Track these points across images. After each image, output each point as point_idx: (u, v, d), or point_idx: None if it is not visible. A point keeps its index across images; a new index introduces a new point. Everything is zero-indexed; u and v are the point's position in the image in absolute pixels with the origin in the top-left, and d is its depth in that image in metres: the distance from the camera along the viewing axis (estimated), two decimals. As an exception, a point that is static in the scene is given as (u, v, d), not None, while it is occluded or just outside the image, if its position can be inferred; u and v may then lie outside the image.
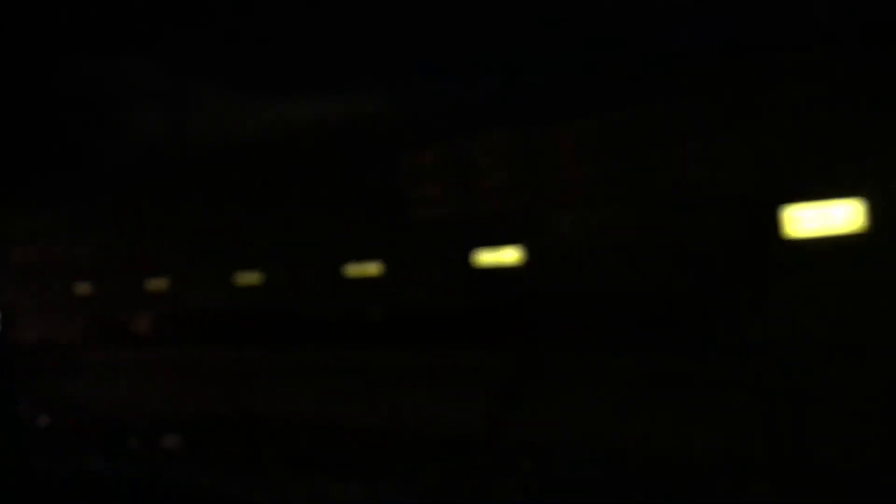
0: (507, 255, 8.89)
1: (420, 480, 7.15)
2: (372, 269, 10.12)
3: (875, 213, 6.44)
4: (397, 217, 9.71)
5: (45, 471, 8.64)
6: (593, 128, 8.23)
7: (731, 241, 7.13)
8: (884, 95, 6.49)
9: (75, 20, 11.47)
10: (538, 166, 8.70)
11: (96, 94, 13.21)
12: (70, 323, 14.13)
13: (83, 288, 14.72)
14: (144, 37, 11.62)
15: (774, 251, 6.90)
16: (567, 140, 8.43)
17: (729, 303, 7.16)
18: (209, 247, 12.20)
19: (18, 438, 9.79)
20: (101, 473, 8.47)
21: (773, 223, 6.88)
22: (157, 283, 13.39)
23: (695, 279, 7.50)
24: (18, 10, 11.27)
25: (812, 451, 6.20)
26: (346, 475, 7.38)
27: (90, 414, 10.98)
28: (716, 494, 6.22)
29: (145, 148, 13.09)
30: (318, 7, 10.13)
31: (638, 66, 7.76)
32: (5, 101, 12.81)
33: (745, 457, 6.42)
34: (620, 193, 8.06)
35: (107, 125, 13.40)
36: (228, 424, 9.64)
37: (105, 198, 13.94)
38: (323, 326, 10.53)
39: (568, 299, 8.28)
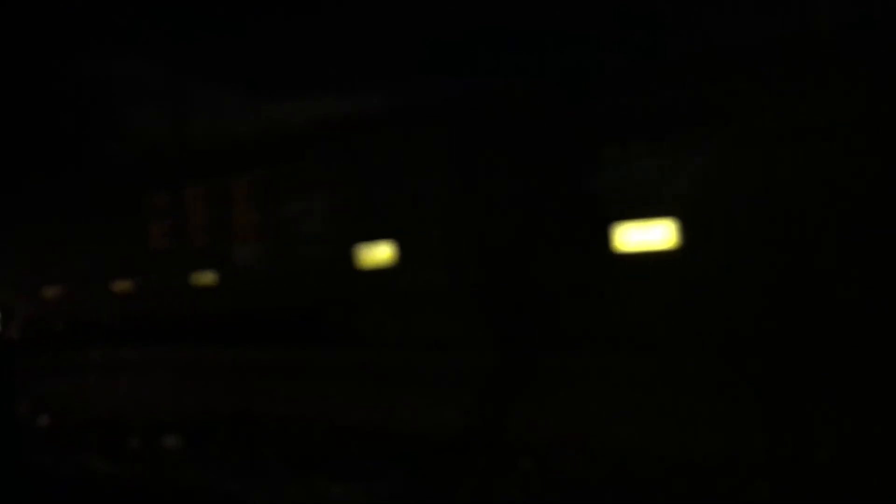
0: (207, 279, 12.65)
1: (420, 480, 7.15)
2: (126, 285, 14.07)
3: (405, 251, 9.98)
4: (144, 245, 13.65)
5: (45, 471, 8.63)
6: (250, 183, 12.10)
7: (333, 270, 10.73)
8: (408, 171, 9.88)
9: (74, 20, 11.47)
10: (222, 211, 12.51)
11: (93, 94, 13.22)
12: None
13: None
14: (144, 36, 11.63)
15: (355, 277, 10.39)
16: (238, 191, 12.28)
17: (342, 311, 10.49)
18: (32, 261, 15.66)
19: (18, 438, 9.78)
20: (101, 473, 8.47)
21: (351, 257, 10.45)
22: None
23: (316, 298, 10.90)
24: (17, 10, 11.27)
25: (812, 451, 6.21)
26: (346, 475, 7.38)
27: (90, 414, 10.98)
28: (716, 494, 6.23)
29: (145, 148, 13.13)
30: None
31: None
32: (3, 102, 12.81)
33: (745, 457, 6.42)
34: (270, 233, 11.80)
35: (103, 125, 13.40)
36: (228, 424, 9.64)
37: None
38: (98, 331, 13.85)
39: (248, 313, 11.64)
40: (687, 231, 7.61)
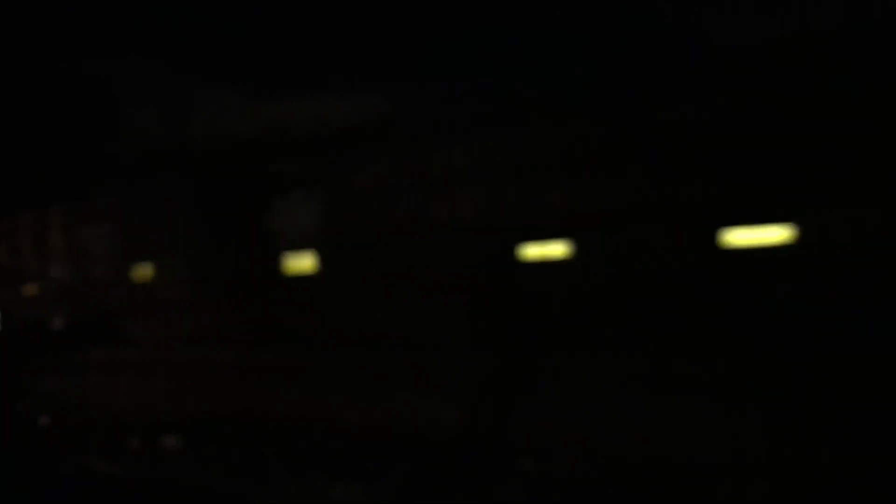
0: (31, 290, 16.33)
1: (420, 480, 7.15)
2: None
3: (162, 274, 14.08)
4: None
5: (45, 471, 8.64)
6: (61, 213, 15.91)
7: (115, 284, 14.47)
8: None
9: (74, 20, 11.47)
10: (43, 236, 16.37)
11: (93, 94, 13.22)
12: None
13: None
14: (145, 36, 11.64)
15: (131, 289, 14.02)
16: (53, 220, 16.10)
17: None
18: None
19: (18, 438, 9.78)
20: (101, 473, 8.47)
21: (129, 277, 14.16)
22: None
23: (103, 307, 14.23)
24: (18, 10, 11.27)
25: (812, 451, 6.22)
26: (346, 475, 7.38)
27: (90, 414, 10.98)
28: (716, 494, 6.23)
29: (146, 148, 13.14)
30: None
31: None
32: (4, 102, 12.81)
33: (745, 457, 6.42)
34: (74, 254, 15.67)
35: (106, 125, 13.40)
36: (228, 424, 9.65)
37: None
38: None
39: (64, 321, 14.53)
40: (325, 258, 11.43)
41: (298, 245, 11.63)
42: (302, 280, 11.56)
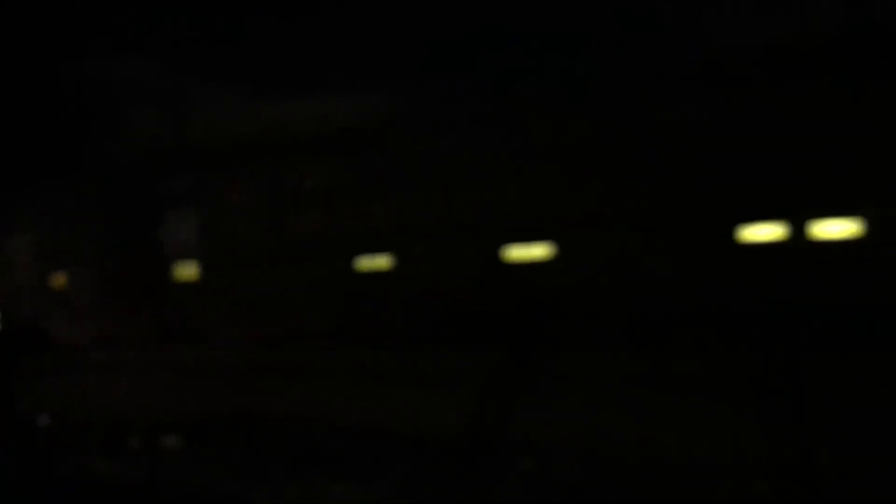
0: None
1: (420, 480, 7.15)
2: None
3: (73, 284, 15.95)
4: None
5: (45, 471, 8.64)
6: None
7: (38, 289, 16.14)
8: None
9: (74, 20, 11.47)
10: None
11: (93, 94, 13.21)
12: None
13: None
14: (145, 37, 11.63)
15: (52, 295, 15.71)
16: None
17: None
18: None
19: (18, 438, 9.79)
20: (101, 473, 8.47)
21: (47, 282, 16.28)
22: None
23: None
24: (18, 10, 11.27)
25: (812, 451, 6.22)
26: (346, 475, 7.38)
27: (90, 414, 10.98)
28: (716, 494, 6.23)
29: (145, 148, 13.15)
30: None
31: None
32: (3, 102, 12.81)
33: (745, 457, 6.42)
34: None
35: (104, 125, 13.40)
36: (228, 424, 9.65)
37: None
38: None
39: None
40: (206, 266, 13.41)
41: (190, 254, 13.63)
42: (192, 285, 13.48)
